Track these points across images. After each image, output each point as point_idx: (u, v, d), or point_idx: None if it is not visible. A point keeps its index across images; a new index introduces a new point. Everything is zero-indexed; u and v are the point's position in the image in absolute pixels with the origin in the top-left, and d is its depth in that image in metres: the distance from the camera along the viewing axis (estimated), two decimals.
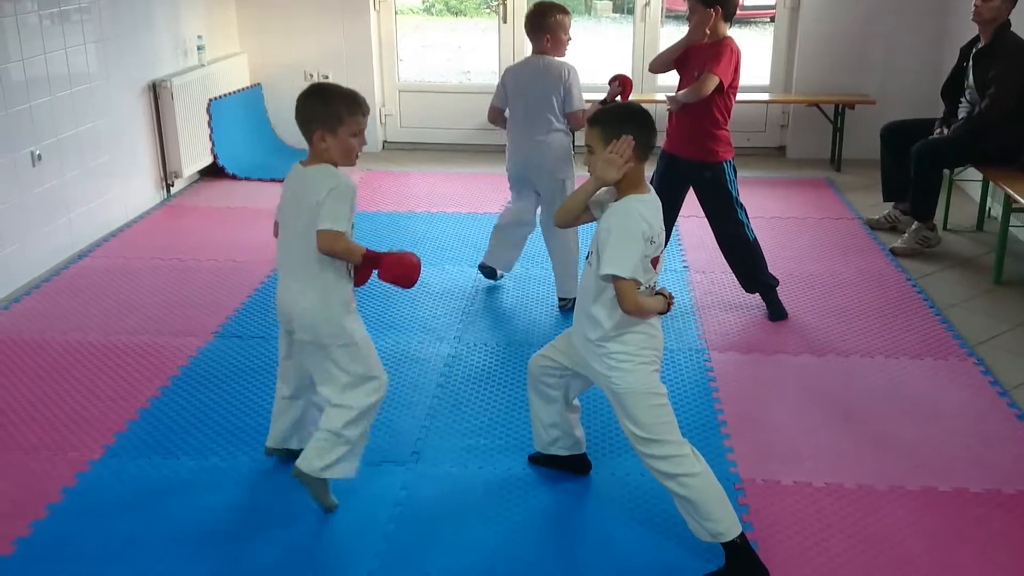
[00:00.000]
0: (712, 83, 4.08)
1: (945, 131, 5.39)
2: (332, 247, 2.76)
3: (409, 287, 2.89)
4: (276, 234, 2.97)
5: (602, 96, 4.36)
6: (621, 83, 4.28)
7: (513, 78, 4.41)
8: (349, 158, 2.84)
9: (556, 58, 4.33)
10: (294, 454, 3.08)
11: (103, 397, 3.73)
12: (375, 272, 2.88)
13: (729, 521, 2.68)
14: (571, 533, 2.97)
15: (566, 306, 4.49)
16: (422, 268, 2.91)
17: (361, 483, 3.11)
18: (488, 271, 4.83)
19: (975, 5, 5.13)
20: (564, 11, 4.34)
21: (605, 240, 2.64)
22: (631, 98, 4.48)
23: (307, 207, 2.76)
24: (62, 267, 5.10)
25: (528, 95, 4.35)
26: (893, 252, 5.33)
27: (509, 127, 4.47)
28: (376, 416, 3.02)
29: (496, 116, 4.54)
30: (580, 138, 4.31)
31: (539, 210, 4.59)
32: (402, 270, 2.86)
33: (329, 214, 2.74)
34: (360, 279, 2.93)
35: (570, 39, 4.37)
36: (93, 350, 4.13)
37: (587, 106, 4.27)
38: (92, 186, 5.50)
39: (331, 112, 2.78)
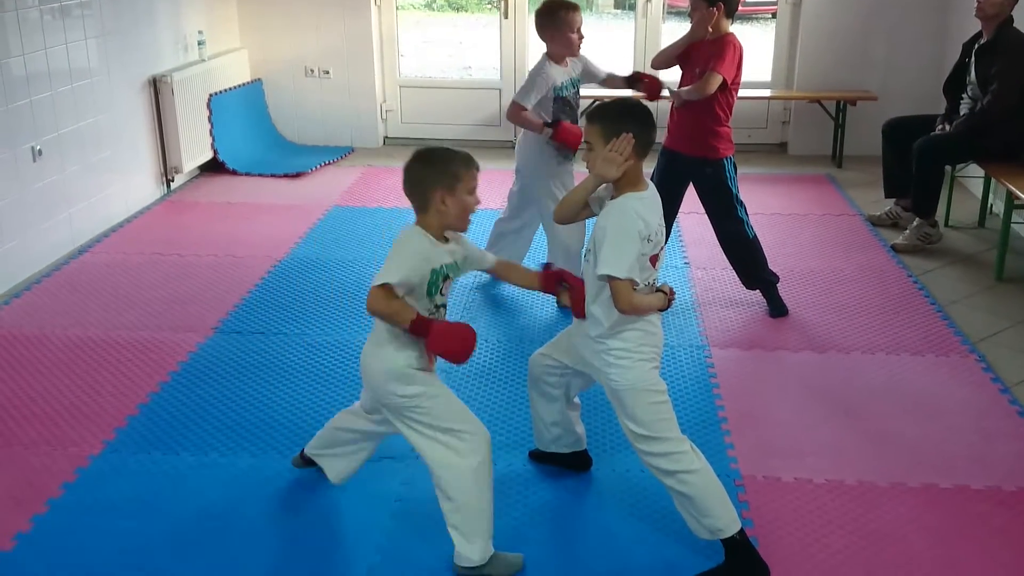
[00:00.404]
0: (716, 82, 4.08)
1: (947, 127, 5.38)
2: (373, 306, 2.53)
3: (459, 363, 2.64)
4: None
5: (600, 92, 4.36)
6: (643, 81, 4.29)
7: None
8: (465, 219, 2.66)
9: (547, 56, 4.33)
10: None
11: (103, 392, 3.73)
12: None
13: (728, 517, 2.68)
14: (571, 529, 2.97)
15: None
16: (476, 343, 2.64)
17: (361, 479, 3.11)
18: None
19: (977, 1, 5.12)
20: (569, 7, 4.27)
21: (601, 239, 2.63)
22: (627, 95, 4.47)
23: None
24: (62, 262, 5.10)
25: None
26: (894, 248, 5.33)
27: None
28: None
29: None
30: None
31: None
32: (452, 345, 2.58)
33: (383, 267, 2.54)
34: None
35: (582, 36, 4.30)
36: (93, 345, 4.13)
37: (528, 101, 4.22)
38: (92, 181, 5.49)
39: (449, 172, 2.60)
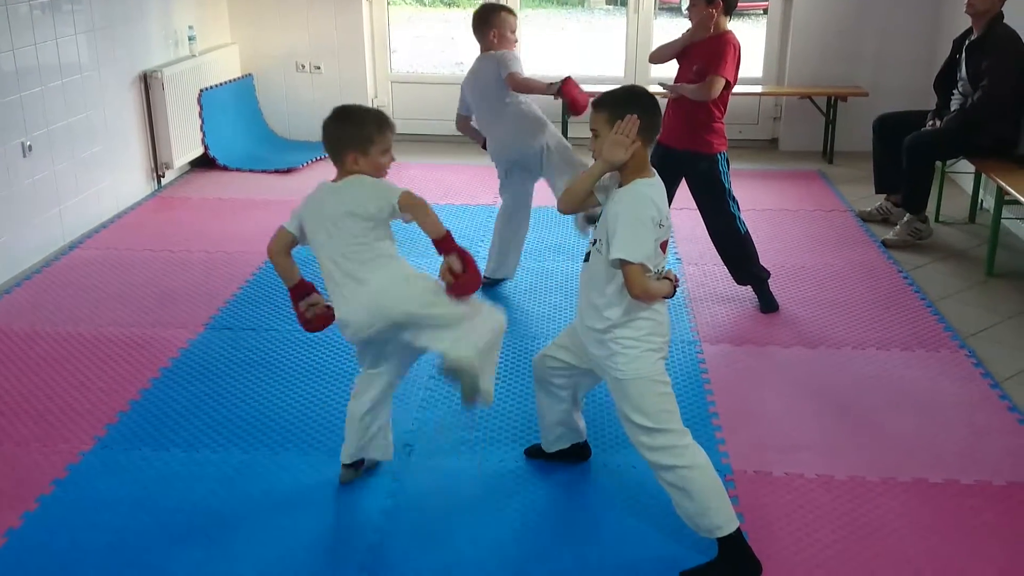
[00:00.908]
0: (720, 85, 4.11)
1: (937, 123, 5.39)
2: (416, 209, 2.77)
3: (458, 294, 2.81)
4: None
5: (596, 87, 4.35)
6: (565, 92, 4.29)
7: (467, 83, 4.52)
8: (379, 176, 2.85)
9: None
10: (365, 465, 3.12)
11: (94, 389, 3.72)
12: None
13: (726, 515, 2.67)
14: (565, 526, 2.96)
15: (489, 284, 4.58)
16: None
17: None
18: (497, 283, 4.75)
19: (967, 4, 5.14)
20: (508, 10, 4.45)
21: (614, 225, 2.61)
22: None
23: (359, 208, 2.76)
24: (53, 258, 5.08)
25: (481, 89, 4.43)
26: (885, 244, 5.34)
27: (479, 126, 4.57)
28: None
29: (463, 124, 4.65)
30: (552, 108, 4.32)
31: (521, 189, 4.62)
32: (473, 279, 2.82)
33: (396, 189, 2.78)
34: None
35: (516, 40, 4.43)
36: (84, 342, 4.11)
37: (520, 68, 4.32)
38: (83, 177, 5.47)
39: (363, 134, 2.78)
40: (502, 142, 4.48)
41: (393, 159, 2.87)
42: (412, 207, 2.75)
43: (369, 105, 2.92)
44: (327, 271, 2.82)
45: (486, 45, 4.42)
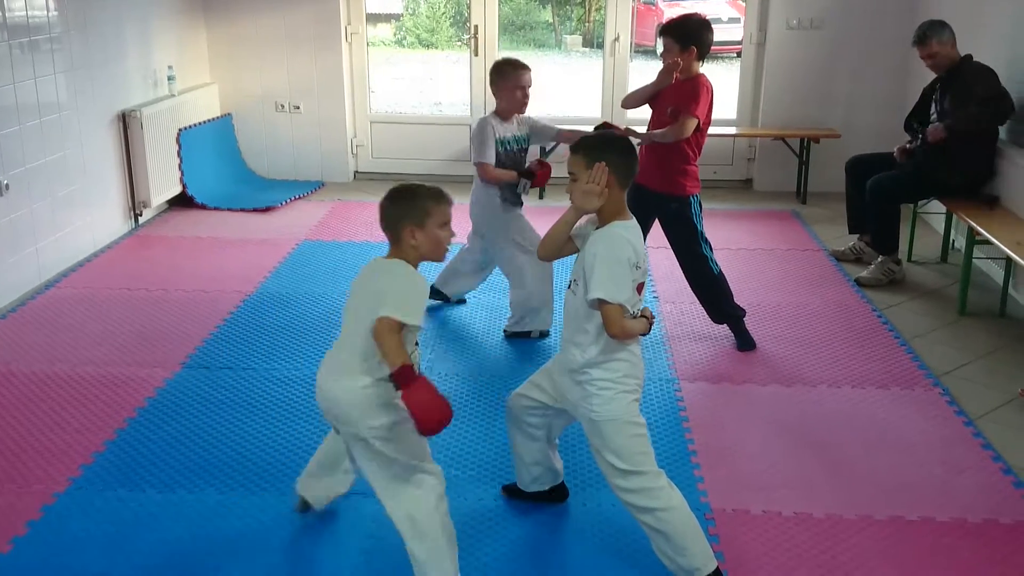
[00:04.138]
0: (692, 126, 4.16)
1: (918, 136, 5.40)
2: (382, 336, 2.48)
3: (424, 431, 2.48)
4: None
5: (572, 126, 4.42)
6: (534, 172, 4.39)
7: None
8: (439, 252, 2.71)
9: (495, 111, 4.45)
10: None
11: (69, 429, 3.69)
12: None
13: (704, 556, 2.68)
14: (543, 565, 2.96)
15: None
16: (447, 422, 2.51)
17: (332, 515, 3.10)
18: (439, 294, 4.94)
19: (930, 59, 5.26)
20: (516, 65, 4.39)
21: (592, 265, 2.65)
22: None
23: (373, 292, 2.61)
24: (28, 297, 5.05)
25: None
26: (859, 283, 5.40)
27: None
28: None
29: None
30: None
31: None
32: (430, 413, 2.45)
33: (397, 300, 2.53)
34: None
35: (526, 96, 4.38)
36: (59, 381, 4.08)
37: (486, 158, 4.33)
38: (60, 216, 5.46)
39: (418, 207, 2.66)
40: (482, 208, 4.54)
41: (454, 234, 2.73)
42: (379, 335, 2.49)
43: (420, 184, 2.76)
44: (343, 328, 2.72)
45: (496, 107, 4.46)
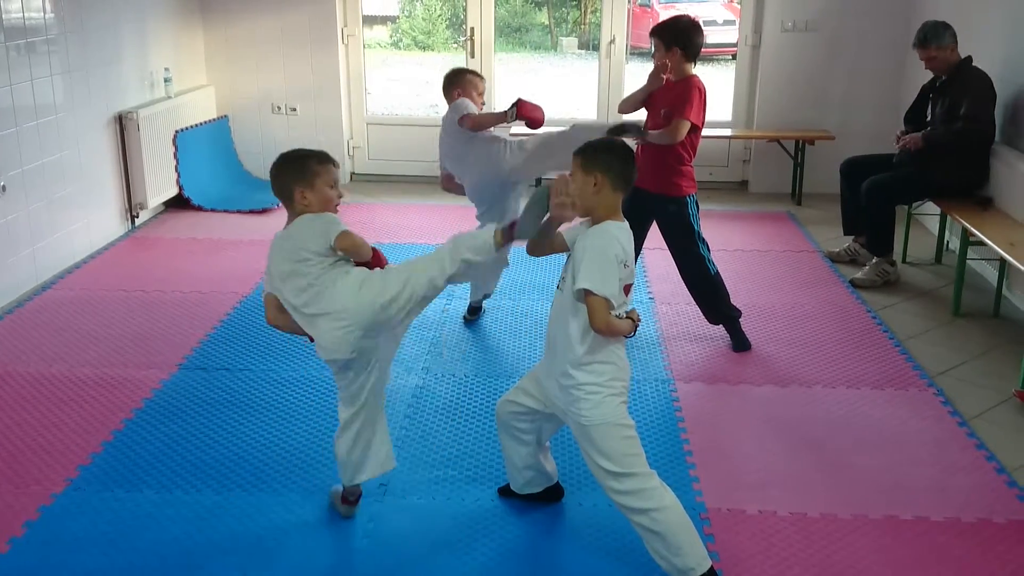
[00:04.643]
0: (685, 128, 4.18)
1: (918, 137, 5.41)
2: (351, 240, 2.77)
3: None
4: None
5: (558, 128, 4.46)
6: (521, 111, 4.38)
7: (440, 140, 4.60)
8: (328, 209, 2.85)
9: None
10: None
11: (66, 430, 3.69)
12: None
13: (699, 555, 2.69)
14: (540, 565, 2.97)
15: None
16: None
17: (328, 515, 3.11)
18: (477, 308, 4.89)
19: (930, 60, 5.27)
20: (475, 73, 4.59)
21: (580, 258, 2.67)
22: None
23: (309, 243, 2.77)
24: (25, 299, 5.05)
25: (447, 140, 4.53)
26: (853, 284, 5.42)
27: (456, 176, 4.64)
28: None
29: (446, 182, 4.75)
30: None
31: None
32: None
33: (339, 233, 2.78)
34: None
35: (483, 102, 4.54)
36: (56, 382, 4.09)
37: (469, 111, 4.38)
38: (56, 217, 5.46)
39: (305, 168, 2.82)
40: (474, 183, 4.54)
41: (342, 195, 2.91)
42: (350, 249, 2.78)
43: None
44: (293, 314, 2.85)
45: (451, 103, 4.52)
